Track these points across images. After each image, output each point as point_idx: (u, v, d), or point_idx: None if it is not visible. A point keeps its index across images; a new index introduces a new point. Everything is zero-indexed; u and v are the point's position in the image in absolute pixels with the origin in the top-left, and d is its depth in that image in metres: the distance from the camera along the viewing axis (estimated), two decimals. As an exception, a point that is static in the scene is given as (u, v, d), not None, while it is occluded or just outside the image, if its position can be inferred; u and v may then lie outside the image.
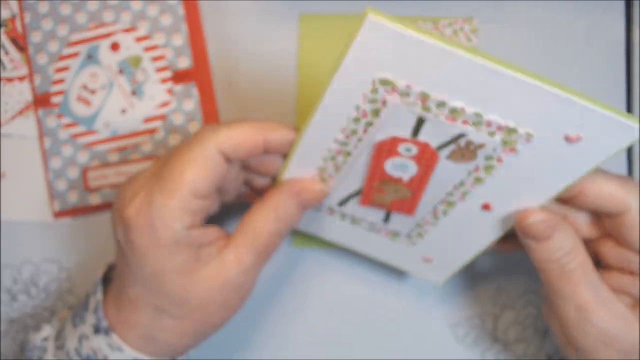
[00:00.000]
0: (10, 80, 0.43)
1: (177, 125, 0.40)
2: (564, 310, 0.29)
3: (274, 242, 0.31)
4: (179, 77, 0.40)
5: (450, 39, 0.27)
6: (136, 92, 0.41)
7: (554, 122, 0.26)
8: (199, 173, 0.29)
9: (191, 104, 0.40)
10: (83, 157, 0.42)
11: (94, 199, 0.42)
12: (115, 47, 0.41)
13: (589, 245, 0.32)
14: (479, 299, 0.40)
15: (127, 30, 0.41)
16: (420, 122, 0.27)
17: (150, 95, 0.40)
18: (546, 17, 0.39)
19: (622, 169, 0.39)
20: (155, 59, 0.40)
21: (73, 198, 0.42)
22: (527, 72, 0.25)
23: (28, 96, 0.42)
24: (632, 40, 0.39)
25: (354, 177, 0.32)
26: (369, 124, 0.28)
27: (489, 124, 0.27)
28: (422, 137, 0.28)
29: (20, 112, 0.43)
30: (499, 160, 0.28)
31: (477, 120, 0.27)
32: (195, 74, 0.40)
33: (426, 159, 0.29)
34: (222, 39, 0.41)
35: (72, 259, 0.43)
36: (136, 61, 0.41)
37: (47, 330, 0.36)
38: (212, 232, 0.31)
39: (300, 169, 0.32)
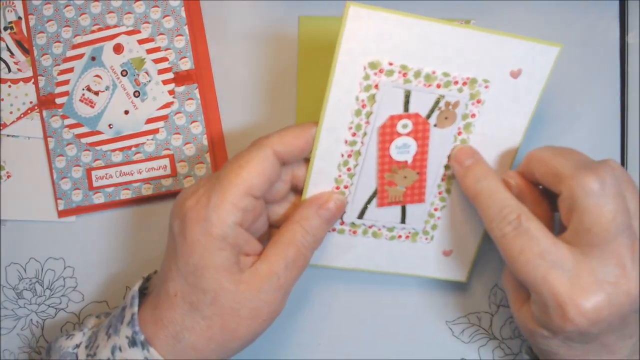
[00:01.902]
0: (15, 82, 0.43)
1: (179, 126, 0.41)
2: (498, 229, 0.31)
3: (303, 254, 0.33)
4: (181, 78, 0.41)
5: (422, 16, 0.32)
6: (139, 93, 0.41)
7: (499, 63, 0.32)
8: (254, 171, 0.31)
9: (193, 105, 0.41)
10: (87, 157, 0.42)
11: (98, 199, 0.42)
12: (118, 49, 0.41)
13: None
14: (476, 298, 0.41)
15: (130, 33, 0.41)
16: (407, 96, 0.32)
17: (153, 97, 0.41)
18: (541, 19, 0.39)
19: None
20: (158, 60, 0.41)
21: (77, 197, 0.43)
22: (473, 27, 0.32)
23: (33, 98, 0.43)
24: (626, 42, 0.39)
25: (367, 179, 0.35)
26: (369, 113, 0.33)
27: (455, 81, 0.33)
28: (412, 109, 0.33)
29: (25, 114, 0.43)
30: (473, 115, 0.34)
31: (447, 81, 0.32)
32: (197, 76, 0.41)
33: (421, 130, 0.33)
34: (224, 41, 0.42)
35: (76, 257, 0.44)
36: (139, 63, 0.41)
37: (78, 338, 0.36)
38: (255, 244, 0.33)
39: (319, 185, 0.35)
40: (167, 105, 0.41)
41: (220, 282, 0.31)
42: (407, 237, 0.37)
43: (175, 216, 0.32)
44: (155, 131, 0.41)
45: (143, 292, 0.36)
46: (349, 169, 0.34)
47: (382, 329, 0.41)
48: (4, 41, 0.43)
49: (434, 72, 0.32)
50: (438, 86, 0.33)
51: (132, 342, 0.32)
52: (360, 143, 0.34)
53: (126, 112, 0.41)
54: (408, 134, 0.33)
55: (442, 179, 0.35)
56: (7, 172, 0.44)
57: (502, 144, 0.35)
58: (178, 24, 0.41)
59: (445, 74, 0.32)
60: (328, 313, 0.42)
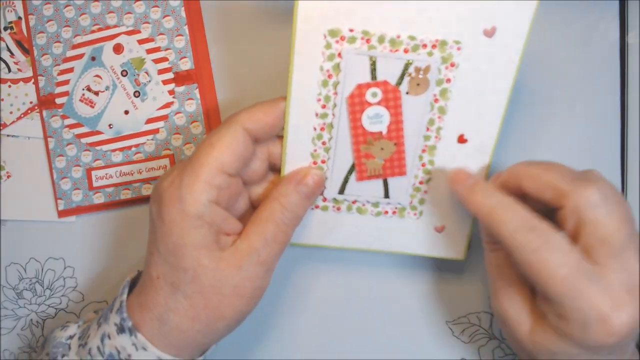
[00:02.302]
0: (15, 82, 0.43)
1: (179, 126, 0.41)
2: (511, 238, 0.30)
3: (283, 230, 0.33)
4: (181, 78, 0.41)
5: None
6: (139, 93, 0.41)
7: (469, 23, 0.31)
8: (225, 149, 0.32)
9: (193, 105, 0.41)
10: (87, 157, 0.42)
11: (98, 199, 0.42)
12: (118, 49, 0.41)
13: None
14: (476, 298, 0.41)
15: (130, 33, 0.41)
16: (373, 63, 0.32)
17: (153, 97, 0.41)
18: (541, 19, 0.39)
19: (617, 181, 0.40)
20: (158, 60, 0.41)
21: (77, 197, 0.43)
22: None
23: (33, 98, 0.43)
24: (626, 42, 0.39)
25: (344, 153, 0.34)
26: (336, 83, 0.32)
27: (423, 44, 0.31)
28: (380, 76, 0.32)
29: (25, 114, 0.43)
30: (448, 80, 0.32)
31: (414, 45, 0.31)
32: (197, 76, 0.41)
33: (392, 99, 0.32)
34: (224, 40, 0.42)
35: (76, 257, 0.44)
36: (139, 63, 0.41)
37: (73, 329, 0.37)
38: (235, 223, 0.33)
39: (296, 161, 0.34)
40: (167, 105, 0.41)
41: (199, 260, 0.31)
42: (394, 212, 0.36)
43: (153, 200, 0.33)
44: (155, 131, 0.41)
45: (135, 283, 0.36)
46: (323, 143, 0.34)
47: (381, 329, 0.41)
48: (4, 41, 0.43)
49: (398, 37, 0.31)
50: (405, 51, 0.31)
51: (121, 329, 0.33)
52: (332, 115, 0.33)
53: (126, 112, 0.42)
54: (379, 103, 0.32)
55: (423, 150, 0.34)
56: (7, 172, 0.44)
57: (485, 109, 0.33)
58: (178, 24, 0.41)
59: (411, 37, 0.31)
60: (328, 314, 0.42)
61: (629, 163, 0.40)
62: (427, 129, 0.34)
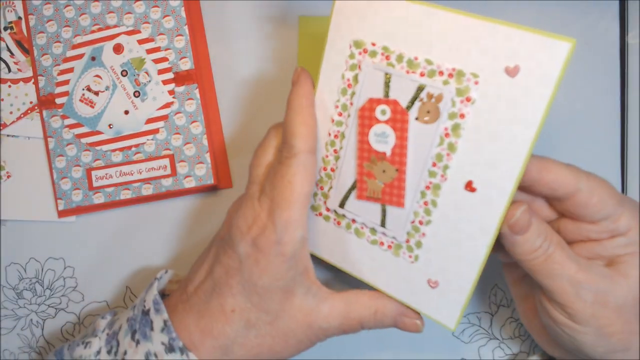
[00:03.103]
0: (15, 82, 0.43)
1: (179, 126, 0.41)
2: (560, 288, 0.30)
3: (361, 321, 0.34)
4: (181, 78, 0.41)
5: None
6: (139, 93, 0.41)
7: (490, 56, 0.28)
8: (304, 179, 0.32)
9: (193, 105, 0.41)
10: (87, 157, 0.42)
11: (98, 199, 0.42)
12: (118, 49, 0.41)
13: (550, 225, 0.34)
14: (476, 298, 0.41)
15: (130, 33, 0.41)
16: (388, 80, 0.31)
17: (153, 97, 0.41)
18: (541, 19, 0.39)
19: (617, 181, 0.40)
20: (158, 60, 0.41)
21: (77, 197, 0.43)
22: (458, 11, 0.28)
23: (33, 98, 0.43)
24: (626, 42, 0.39)
25: (349, 166, 0.34)
26: (353, 94, 0.32)
27: (440, 71, 0.30)
28: (393, 95, 0.31)
29: (25, 114, 0.43)
30: (462, 115, 0.30)
31: (430, 70, 0.30)
32: (197, 76, 0.41)
33: (399, 120, 0.31)
34: (224, 41, 0.42)
35: (76, 257, 0.44)
36: (139, 63, 0.41)
37: (96, 344, 0.36)
38: (309, 262, 0.34)
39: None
40: (167, 105, 0.41)
41: (284, 305, 0.33)
42: (389, 246, 0.34)
43: (243, 242, 0.33)
44: (155, 131, 0.41)
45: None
46: (335, 151, 0.34)
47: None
48: (4, 41, 0.43)
49: (416, 58, 0.30)
50: (422, 74, 0.30)
51: (170, 348, 0.33)
52: (345, 125, 0.33)
53: (126, 112, 0.42)
54: (387, 122, 0.32)
55: (427, 187, 0.31)
56: (7, 172, 0.44)
57: (501, 157, 0.29)
58: (178, 24, 0.41)
59: (428, 62, 0.30)
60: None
61: (629, 163, 0.40)
62: (434, 164, 0.31)
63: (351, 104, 0.33)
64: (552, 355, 0.35)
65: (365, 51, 0.31)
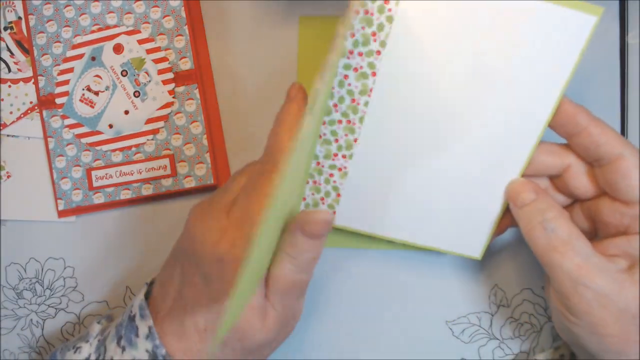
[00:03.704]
0: (15, 82, 0.43)
1: (179, 126, 0.41)
2: (559, 278, 0.30)
3: (297, 279, 0.32)
4: (181, 78, 0.41)
5: None
6: (139, 93, 0.41)
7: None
8: None
9: (193, 105, 0.41)
10: (87, 157, 0.42)
11: (98, 199, 0.42)
12: (118, 49, 0.41)
13: (586, 208, 0.34)
14: (476, 298, 0.41)
15: (130, 33, 0.41)
16: None
17: (153, 97, 0.41)
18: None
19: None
20: (158, 60, 0.41)
21: (77, 197, 0.43)
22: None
23: (33, 98, 0.43)
24: (626, 42, 0.39)
25: None
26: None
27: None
28: None
29: (25, 114, 0.43)
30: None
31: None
32: (197, 76, 0.41)
33: None
34: (224, 40, 0.42)
35: (76, 257, 0.44)
36: (139, 63, 0.41)
37: (86, 350, 0.36)
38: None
39: None
40: (167, 105, 0.41)
41: (251, 321, 0.32)
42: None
43: (212, 259, 0.31)
44: (155, 131, 0.41)
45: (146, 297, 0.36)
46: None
47: (381, 329, 0.41)
48: (4, 41, 0.43)
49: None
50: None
51: (153, 355, 0.32)
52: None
53: (126, 112, 0.42)
54: None
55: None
56: (7, 172, 0.44)
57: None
58: (178, 24, 0.41)
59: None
60: (328, 314, 0.42)
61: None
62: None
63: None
64: (565, 339, 0.35)
65: None
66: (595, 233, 0.34)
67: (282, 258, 0.32)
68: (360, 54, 0.31)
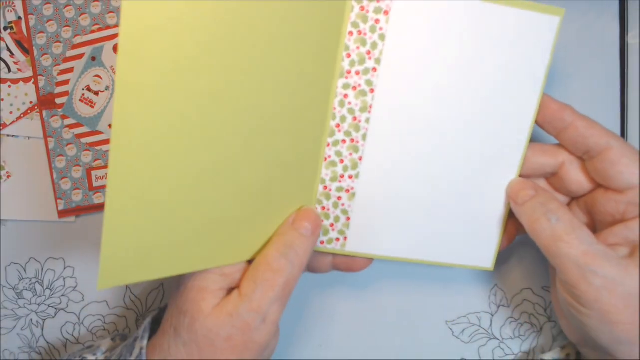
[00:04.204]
0: (15, 82, 0.43)
1: (179, 126, 0.41)
2: (567, 268, 0.31)
3: (280, 274, 0.31)
4: (181, 78, 0.41)
5: None
6: (139, 93, 0.41)
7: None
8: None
9: (193, 105, 0.41)
10: (87, 157, 0.42)
11: (98, 199, 0.42)
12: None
13: (583, 203, 0.35)
14: (476, 298, 0.41)
15: (130, 33, 0.41)
16: None
17: (153, 97, 0.41)
18: (542, 19, 0.39)
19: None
20: (158, 60, 0.41)
21: (77, 197, 0.43)
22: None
23: (33, 98, 0.43)
24: (626, 42, 0.39)
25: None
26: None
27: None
28: None
29: (25, 114, 0.43)
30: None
31: None
32: (197, 76, 0.41)
33: None
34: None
35: (77, 257, 0.44)
36: (139, 63, 0.41)
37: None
38: (240, 267, 0.32)
39: None
40: (167, 105, 0.41)
41: (198, 303, 0.30)
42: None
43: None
44: (155, 131, 0.41)
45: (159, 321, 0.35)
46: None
47: (382, 329, 0.41)
48: (4, 41, 0.43)
49: None
50: None
51: None
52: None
53: (126, 112, 0.41)
54: None
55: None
56: (7, 172, 0.44)
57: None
58: (178, 24, 0.41)
59: None
60: (328, 314, 0.42)
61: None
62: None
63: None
64: (572, 340, 0.35)
65: None
66: (594, 227, 0.35)
67: (266, 250, 0.32)
68: (357, 73, 0.32)
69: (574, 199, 0.36)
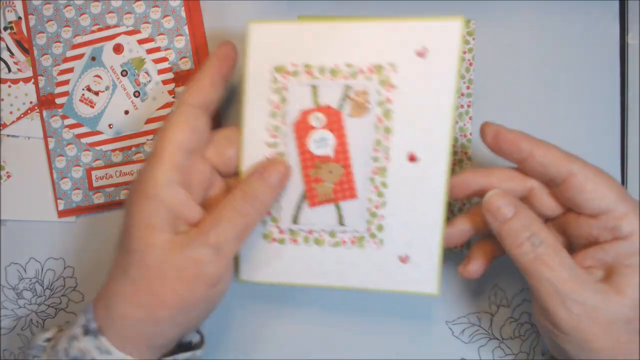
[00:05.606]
0: (15, 82, 0.43)
1: (179, 126, 0.41)
2: (546, 293, 0.30)
3: (241, 214, 0.32)
4: (181, 78, 0.41)
5: (314, 18, 0.36)
6: (139, 93, 0.41)
7: (401, 45, 0.33)
8: (179, 129, 0.33)
9: (193, 105, 0.41)
10: (87, 157, 0.42)
11: (98, 199, 0.42)
12: (118, 49, 0.41)
13: (557, 224, 0.34)
14: (476, 298, 0.41)
15: (130, 33, 0.41)
16: (314, 90, 0.34)
17: (153, 97, 0.41)
18: (542, 19, 0.39)
19: (617, 178, 0.40)
20: (158, 60, 0.41)
21: (77, 197, 0.43)
22: (359, 19, 0.34)
23: (33, 98, 0.43)
24: (626, 42, 0.39)
25: (294, 179, 0.35)
26: (283, 114, 0.35)
27: (361, 70, 0.34)
28: (323, 102, 0.34)
29: (25, 114, 0.43)
30: (389, 100, 0.34)
31: (352, 71, 0.34)
32: (197, 76, 0.41)
33: (335, 121, 0.34)
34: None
35: (76, 257, 0.44)
36: (139, 63, 0.41)
37: (52, 332, 0.36)
38: (196, 210, 0.33)
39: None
40: (167, 105, 0.41)
41: (147, 239, 0.31)
42: (352, 241, 0.35)
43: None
44: (155, 131, 0.41)
45: None
46: None
47: (382, 329, 0.41)
48: (4, 41, 0.43)
49: (336, 66, 0.34)
50: (345, 78, 0.34)
51: (86, 331, 0.32)
52: (283, 144, 0.35)
53: (126, 112, 0.42)
54: (323, 127, 0.34)
55: (374, 172, 0.34)
56: (7, 172, 0.44)
57: (431, 126, 0.34)
58: (178, 24, 0.41)
59: (349, 65, 0.34)
60: (327, 313, 0.42)
61: (629, 163, 0.40)
62: (375, 150, 0.34)
63: (283, 123, 0.35)
64: (556, 356, 0.35)
65: (287, 73, 0.34)
66: (569, 247, 0.34)
67: (233, 192, 0.33)
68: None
69: (547, 220, 0.35)
